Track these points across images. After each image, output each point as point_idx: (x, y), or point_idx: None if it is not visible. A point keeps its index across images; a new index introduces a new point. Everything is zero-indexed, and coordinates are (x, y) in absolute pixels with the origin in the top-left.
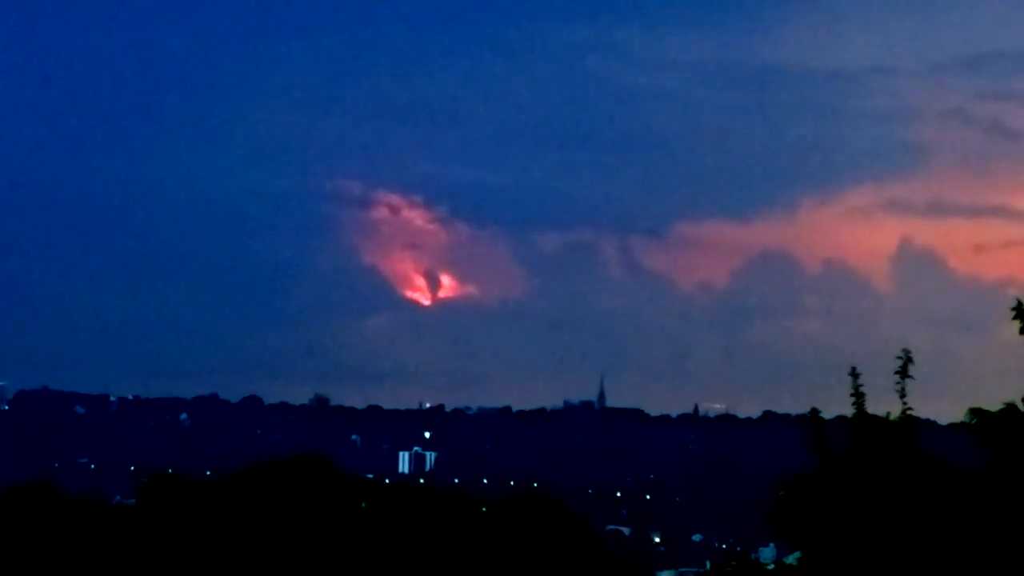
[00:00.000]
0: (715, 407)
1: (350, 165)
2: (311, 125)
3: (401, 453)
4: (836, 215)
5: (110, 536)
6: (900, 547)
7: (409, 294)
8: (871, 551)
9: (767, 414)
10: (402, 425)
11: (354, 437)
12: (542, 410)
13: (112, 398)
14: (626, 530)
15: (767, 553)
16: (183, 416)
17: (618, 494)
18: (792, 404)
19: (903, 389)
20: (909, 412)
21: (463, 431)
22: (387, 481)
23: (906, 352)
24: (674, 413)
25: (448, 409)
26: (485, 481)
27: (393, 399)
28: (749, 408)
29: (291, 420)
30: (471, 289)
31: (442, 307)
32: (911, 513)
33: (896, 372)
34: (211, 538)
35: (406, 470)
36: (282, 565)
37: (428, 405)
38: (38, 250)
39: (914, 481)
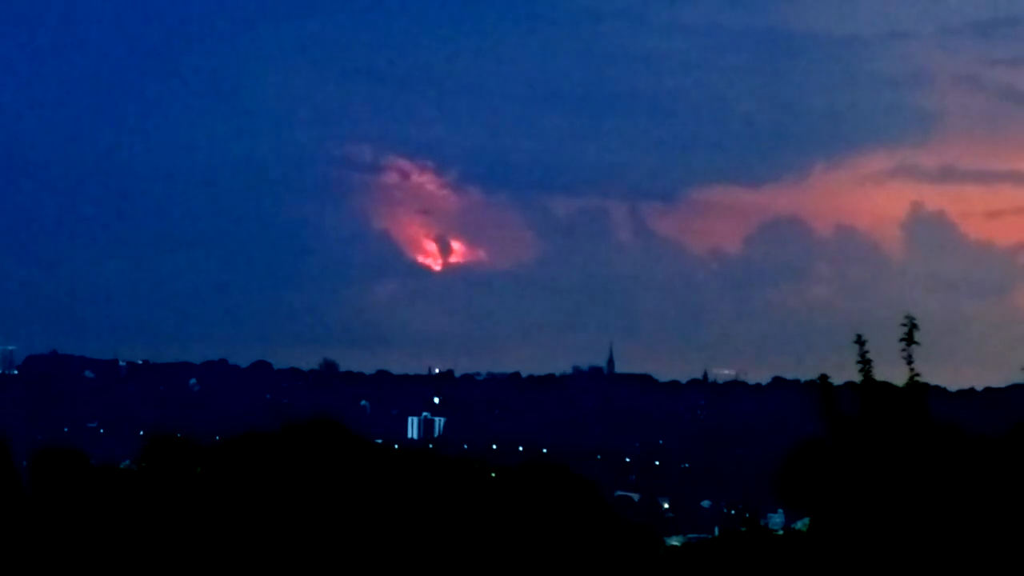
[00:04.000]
0: (724, 373)
1: (361, 130)
2: (321, 89)
3: (410, 418)
4: (848, 181)
5: (121, 500)
6: (909, 513)
7: (420, 259)
8: (881, 517)
9: (776, 380)
10: (411, 390)
11: (363, 402)
12: (551, 376)
13: (121, 363)
14: (635, 496)
15: (776, 519)
16: (192, 381)
17: (627, 460)
18: (802, 370)
19: (910, 356)
20: (917, 378)
21: (472, 397)
22: (396, 446)
23: (910, 319)
24: (683, 379)
25: (457, 375)
26: (494, 447)
27: (402, 364)
28: (759, 374)
29: (300, 385)
30: (481, 254)
31: (452, 272)
32: (920, 479)
33: (901, 339)
34: (216, 502)
35: (415, 435)
36: (290, 530)
37: (437, 370)
38: (48, 214)
39: (923, 447)
